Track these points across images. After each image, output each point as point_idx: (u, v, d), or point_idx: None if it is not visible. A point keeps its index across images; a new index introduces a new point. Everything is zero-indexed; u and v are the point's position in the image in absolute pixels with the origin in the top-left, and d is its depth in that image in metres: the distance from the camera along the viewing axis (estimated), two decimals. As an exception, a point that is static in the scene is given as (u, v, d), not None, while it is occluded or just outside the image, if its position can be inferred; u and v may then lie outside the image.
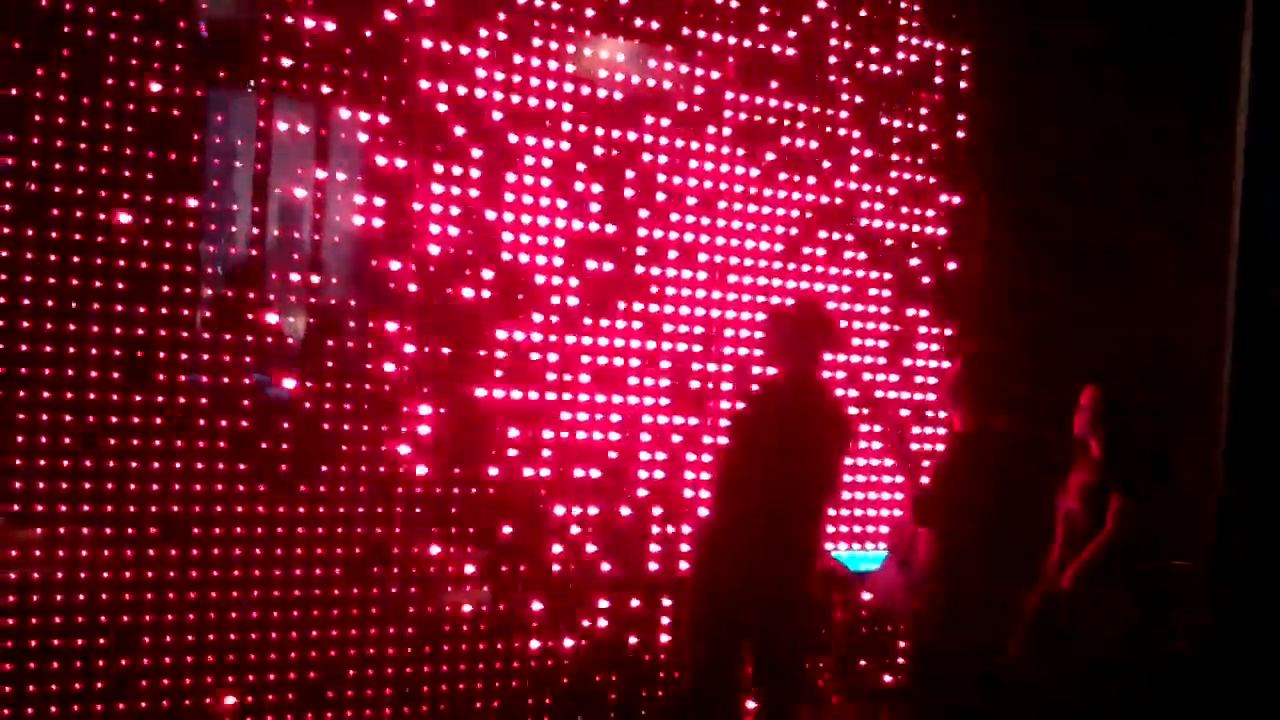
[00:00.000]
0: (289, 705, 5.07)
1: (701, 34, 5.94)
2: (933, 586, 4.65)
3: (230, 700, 4.94)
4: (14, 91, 4.68)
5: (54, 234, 4.73)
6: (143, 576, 4.84)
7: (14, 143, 4.67)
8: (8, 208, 4.68)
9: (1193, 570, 6.10)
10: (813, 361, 4.90)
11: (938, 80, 6.58)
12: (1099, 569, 5.11)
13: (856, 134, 6.34)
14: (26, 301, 4.69)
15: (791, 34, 6.14)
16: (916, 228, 6.51)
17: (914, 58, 6.53)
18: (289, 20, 5.08)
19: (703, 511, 5.71)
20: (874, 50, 6.40)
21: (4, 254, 4.67)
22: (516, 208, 5.50)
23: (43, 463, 4.72)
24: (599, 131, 5.68)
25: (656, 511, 5.72)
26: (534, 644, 5.51)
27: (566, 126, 5.61)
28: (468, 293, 5.40)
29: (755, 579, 4.61)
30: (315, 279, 5.17)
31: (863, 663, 6.06)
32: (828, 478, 4.88)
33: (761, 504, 4.64)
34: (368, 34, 5.20)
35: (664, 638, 5.72)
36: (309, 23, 5.10)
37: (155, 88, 4.86)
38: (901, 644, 6.07)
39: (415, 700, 5.30)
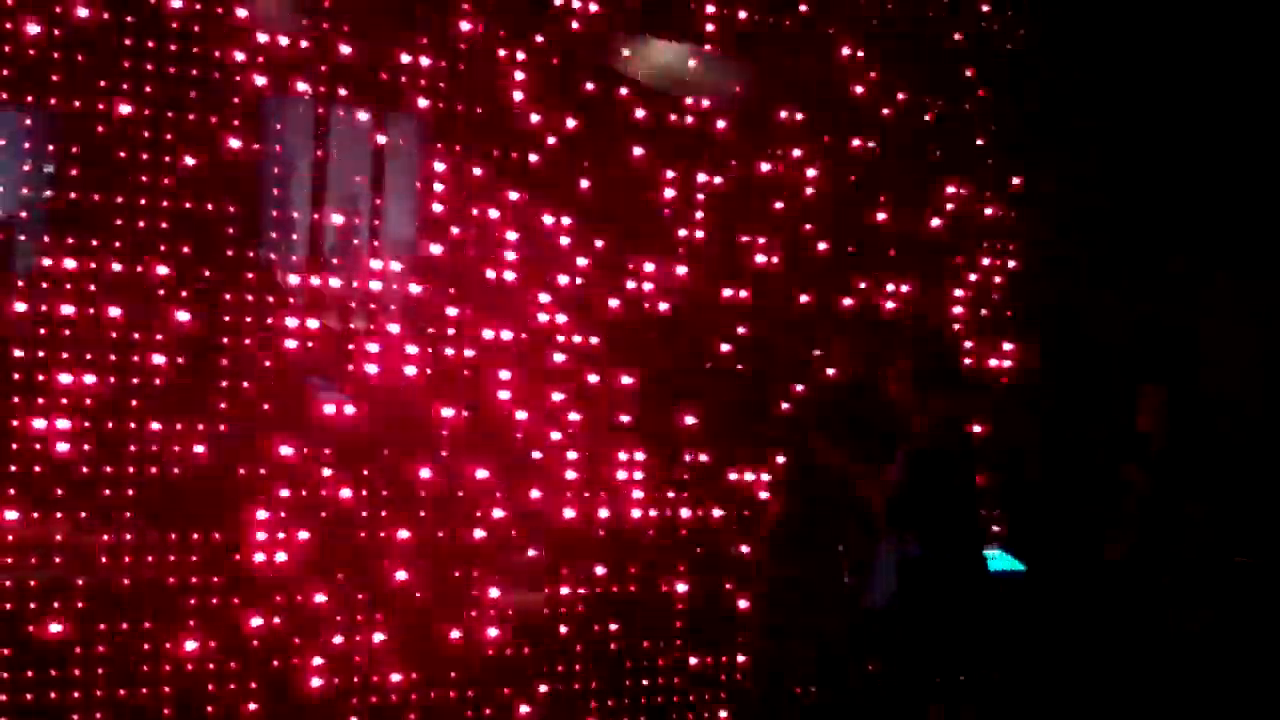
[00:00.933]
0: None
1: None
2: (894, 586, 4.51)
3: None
4: (77, 104, 4.78)
5: (117, 243, 4.81)
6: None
7: (77, 153, 4.78)
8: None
9: (1259, 566, 6.04)
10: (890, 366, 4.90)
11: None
12: (1170, 570, 5.07)
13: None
14: (90, 311, 4.78)
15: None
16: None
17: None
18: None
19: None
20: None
21: (72, 264, 4.75)
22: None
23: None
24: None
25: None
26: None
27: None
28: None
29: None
30: (374, 284, 5.21)
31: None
32: None
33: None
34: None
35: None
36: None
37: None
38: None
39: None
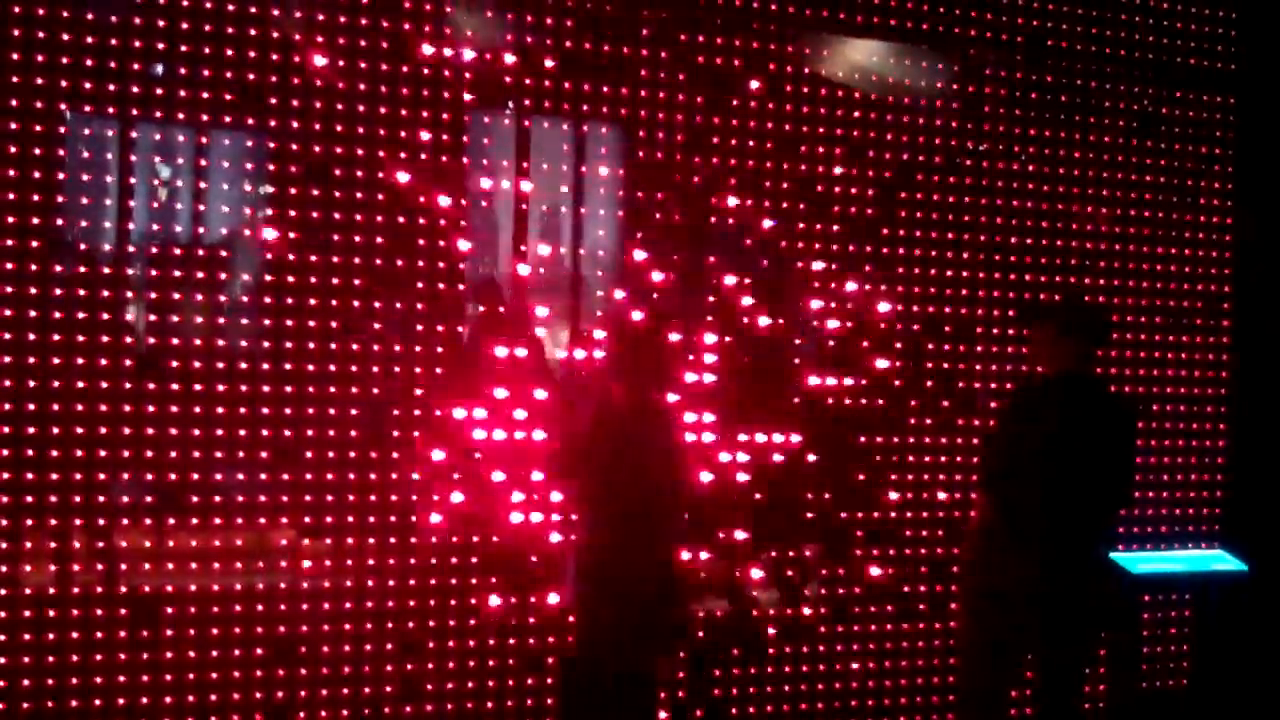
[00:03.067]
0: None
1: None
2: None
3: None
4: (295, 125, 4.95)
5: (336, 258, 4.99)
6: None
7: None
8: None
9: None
10: (1085, 359, 4.75)
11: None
12: None
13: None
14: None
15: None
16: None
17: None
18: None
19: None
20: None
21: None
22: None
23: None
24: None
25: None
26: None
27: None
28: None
29: (1035, 581, 4.53)
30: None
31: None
32: (1109, 479, 4.71)
33: (1036, 505, 4.54)
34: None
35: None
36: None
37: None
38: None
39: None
